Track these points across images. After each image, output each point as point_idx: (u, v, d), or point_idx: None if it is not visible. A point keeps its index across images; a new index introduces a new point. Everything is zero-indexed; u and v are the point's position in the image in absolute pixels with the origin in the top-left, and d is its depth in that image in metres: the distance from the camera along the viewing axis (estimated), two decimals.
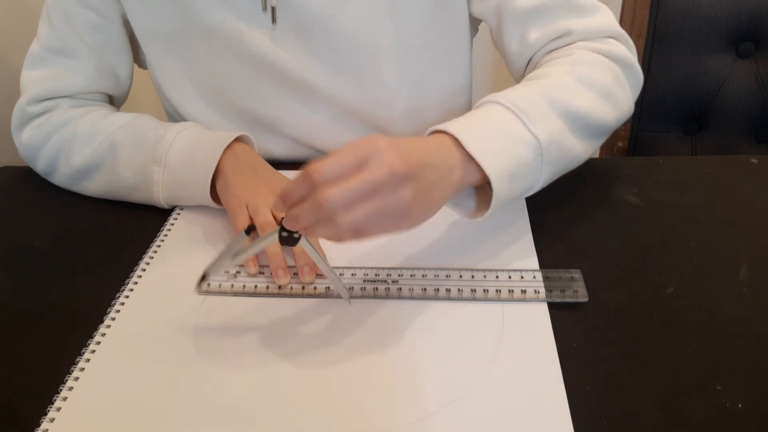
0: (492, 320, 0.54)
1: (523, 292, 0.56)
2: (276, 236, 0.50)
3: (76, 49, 0.73)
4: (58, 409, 0.48)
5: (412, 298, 0.56)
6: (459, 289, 0.57)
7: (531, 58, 0.71)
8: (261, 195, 0.63)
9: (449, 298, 0.56)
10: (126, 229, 0.68)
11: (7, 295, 0.60)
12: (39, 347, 0.53)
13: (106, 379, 0.50)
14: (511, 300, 0.55)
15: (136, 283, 0.60)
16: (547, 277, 0.57)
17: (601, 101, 0.62)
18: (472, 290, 0.56)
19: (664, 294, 0.56)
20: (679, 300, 0.55)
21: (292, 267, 0.59)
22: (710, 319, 0.53)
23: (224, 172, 0.66)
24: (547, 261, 0.60)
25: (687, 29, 0.96)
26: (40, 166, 0.75)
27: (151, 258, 0.63)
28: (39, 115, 0.75)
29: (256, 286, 0.58)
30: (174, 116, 0.82)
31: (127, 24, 0.75)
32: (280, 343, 0.53)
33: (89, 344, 0.53)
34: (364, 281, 0.58)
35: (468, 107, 0.82)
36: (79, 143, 0.71)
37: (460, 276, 0.58)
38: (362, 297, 0.57)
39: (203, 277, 0.53)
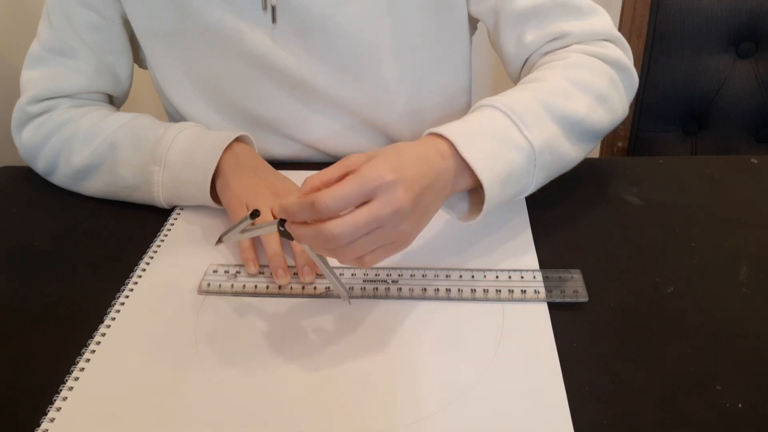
0: (492, 320, 0.54)
1: (523, 292, 0.56)
2: (275, 226, 0.50)
3: (76, 49, 0.73)
4: (58, 409, 0.48)
5: (412, 298, 0.56)
6: (459, 289, 0.57)
7: (527, 60, 0.71)
8: (261, 195, 0.63)
9: (449, 298, 0.56)
10: (126, 229, 0.68)
11: (7, 295, 0.60)
12: (39, 347, 0.54)
13: (106, 379, 0.50)
14: (511, 300, 0.55)
15: (136, 283, 0.60)
16: (547, 277, 0.57)
17: (597, 105, 0.63)
18: (472, 290, 0.56)
19: (664, 294, 0.56)
20: (679, 300, 0.55)
21: (292, 267, 0.59)
22: (710, 319, 0.53)
23: (224, 172, 0.66)
24: (547, 261, 0.60)
25: (687, 29, 0.96)
26: (40, 166, 0.75)
27: (151, 258, 0.63)
28: (39, 114, 0.75)
29: (256, 286, 0.58)
30: (174, 116, 0.82)
31: (127, 24, 0.75)
32: (279, 343, 0.53)
33: (89, 344, 0.53)
34: (364, 281, 0.58)
35: (467, 108, 0.82)
36: (79, 143, 0.71)
37: (460, 276, 0.58)
38: (362, 297, 0.57)
39: (219, 240, 0.55)
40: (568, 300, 0.55)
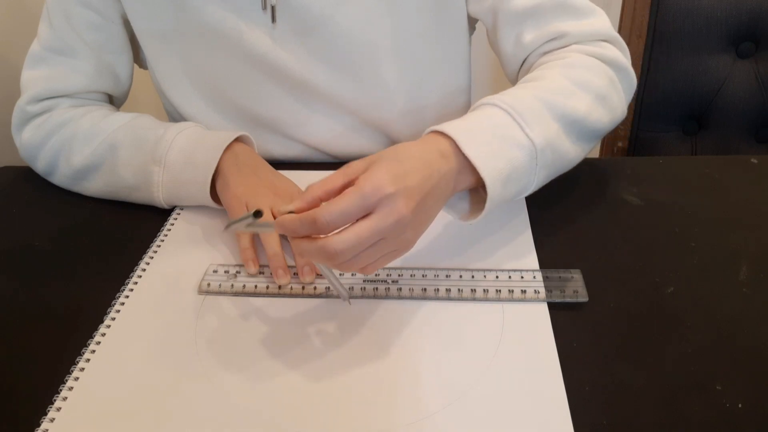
0: (492, 320, 0.54)
1: (523, 292, 0.56)
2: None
3: (76, 49, 0.73)
4: (58, 409, 0.48)
5: (412, 298, 0.56)
6: (459, 289, 0.57)
7: (525, 60, 0.71)
8: (261, 195, 0.63)
9: (449, 298, 0.56)
10: (126, 229, 0.68)
11: (7, 295, 0.60)
12: (39, 347, 0.54)
13: (106, 379, 0.50)
14: (511, 300, 0.55)
15: (136, 283, 0.60)
16: (547, 277, 0.57)
17: (597, 105, 0.63)
18: (472, 290, 0.56)
19: (664, 294, 0.56)
20: (679, 300, 0.55)
21: (292, 267, 0.59)
22: (710, 319, 0.53)
23: (224, 172, 0.66)
24: (546, 261, 0.60)
25: (687, 29, 0.96)
26: (40, 166, 0.75)
27: (151, 258, 0.63)
28: (39, 114, 0.75)
29: (256, 286, 0.58)
30: (174, 116, 0.82)
31: (127, 23, 0.75)
32: (279, 344, 0.53)
33: (89, 344, 0.53)
34: (364, 281, 0.58)
35: (467, 107, 0.82)
36: (79, 143, 0.71)
37: (460, 276, 0.58)
38: (362, 297, 0.57)
39: (228, 226, 0.54)
40: (568, 300, 0.55)
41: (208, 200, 0.67)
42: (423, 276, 0.58)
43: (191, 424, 0.46)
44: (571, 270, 0.58)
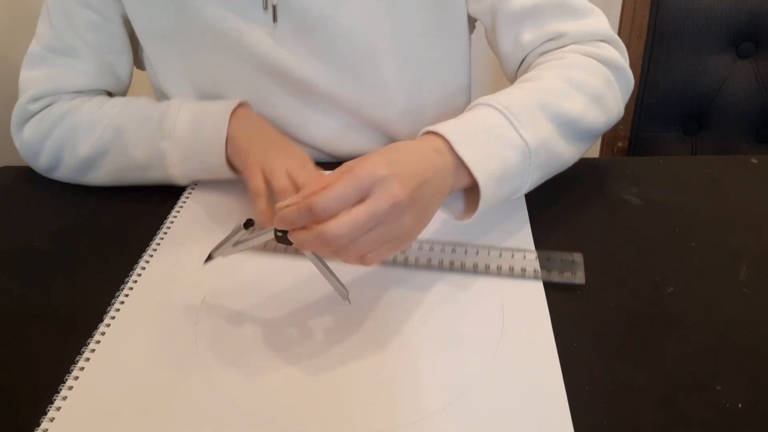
0: (492, 320, 0.54)
1: (523, 270, 0.58)
2: (272, 233, 0.50)
3: (76, 49, 0.73)
4: (58, 409, 0.48)
5: (417, 267, 0.58)
6: (462, 263, 0.59)
7: (524, 59, 0.71)
8: (272, 156, 0.63)
9: (452, 270, 0.58)
10: (126, 228, 0.68)
11: (7, 295, 0.60)
12: (39, 347, 0.54)
13: (106, 379, 0.50)
14: (511, 276, 0.58)
15: (135, 281, 0.60)
16: (548, 258, 0.59)
17: (592, 105, 0.63)
18: (474, 264, 0.59)
19: (664, 294, 0.56)
20: (679, 300, 0.55)
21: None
22: (710, 319, 0.53)
23: (234, 137, 0.66)
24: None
25: (687, 29, 0.96)
26: (42, 162, 0.75)
27: (151, 256, 0.63)
28: (39, 111, 0.75)
29: (265, 245, 0.58)
30: None
31: (127, 23, 0.75)
32: (280, 343, 0.53)
33: (89, 344, 0.53)
34: None
35: (467, 107, 0.82)
36: (83, 133, 0.71)
37: (465, 251, 0.61)
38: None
39: (209, 257, 0.54)
40: (565, 281, 0.57)
41: (225, 167, 0.67)
42: (430, 249, 0.60)
43: (191, 423, 0.46)
44: (573, 253, 0.59)
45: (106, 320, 0.55)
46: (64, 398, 0.48)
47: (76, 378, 0.50)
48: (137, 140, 0.69)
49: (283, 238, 0.50)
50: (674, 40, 0.97)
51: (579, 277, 0.57)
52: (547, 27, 0.68)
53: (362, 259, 0.49)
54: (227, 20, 0.69)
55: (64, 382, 0.50)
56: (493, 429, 0.45)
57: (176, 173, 0.69)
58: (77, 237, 0.67)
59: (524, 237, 0.63)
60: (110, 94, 0.80)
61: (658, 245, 0.61)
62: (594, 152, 1.10)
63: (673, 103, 1.01)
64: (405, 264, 0.59)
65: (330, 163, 0.80)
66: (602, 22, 0.69)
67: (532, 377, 0.48)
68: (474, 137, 0.55)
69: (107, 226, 0.69)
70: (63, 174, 0.75)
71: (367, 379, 0.49)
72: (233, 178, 0.68)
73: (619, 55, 0.68)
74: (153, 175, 0.70)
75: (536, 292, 0.56)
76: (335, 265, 0.53)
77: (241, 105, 0.70)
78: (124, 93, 0.82)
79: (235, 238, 0.53)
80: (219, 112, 0.67)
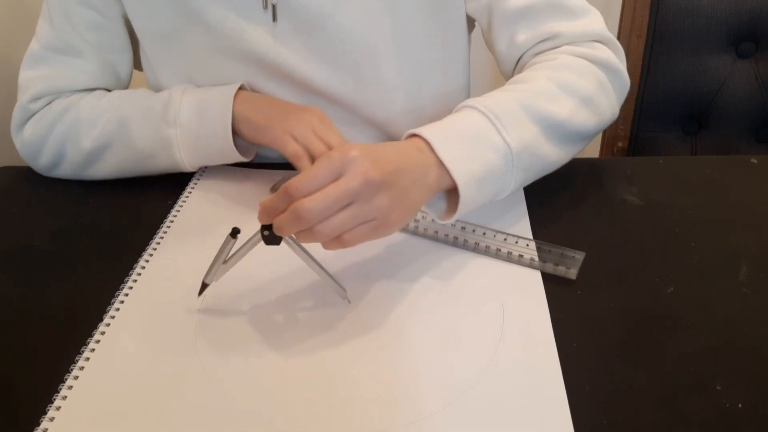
0: (492, 320, 0.54)
1: (521, 256, 0.59)
2: (260, 237, 0.51)
3: (77, 48, 0.73)
4: (58, 409, 0.48)
5: (425, 236, 0.63)
6: (465, 240, 0.61)
7: (519, 59, 0.72)
8: (293, 121, 0.64)
9: (456, 245, 0.61)
10: (126, 228, 0.68)
11: (7, 295, 0.60)
12: (39, 347, 0.53)
13: (106, 378, 0.50)
14: (508, 260, 0.60)
15: (135, 281, 0.60)
16: (547, 250, 0.60)
17: (581, 108, 0.63)
18: (476, 243, 0.61)
19: (664, 294, 0.56)
20: (679, 300, 0.55)
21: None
22: (710, 319, 0.53)
23: (247, 116, 0.67)
24: None
25: (687, 29, 0.96)
26: (44, 160, 0.75)
27: (150, 256, 0.63)
28: (40, 110, 0.74)
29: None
30: None
31: (127, 23, 0.75)
32: (280, 343, 0.53)
33: (89, 343, 0.53)
34: None
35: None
36: (85, 127, 0.71)
37: (473, 231, 0.63)
38: None
39: (203, 286, 0.55)
40: (559, 274, 0.57)
41: (233, 150, 0.68)
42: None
43: (191, 423, 0.46)
44: (576, 251, 0.59)
45: (106, 320, 0.55)
46: (64, 398, 0.48)
47: (76, 378, 0.50)
48: (141, 130, 0.70)
49: (270, 238, 0.50)
50: (674, 40, 0.97)
51: (572, 273, 0.57)
52: (541, 27, 0.68)
53: (340, 241, 0.50)
54: (227, 20, 0.69)
55: (64, 382, 0.50)
56: (493, 429, 0.45)
57: (182, 159, 0.70)
58: (77, 237, 0.67)
59: (523, 235, 0.63)
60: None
61: (658, 245, 0.61)
62: (594, 152, 1.10)
63: (673, 103, 1.01)
64: (415, 232, 0.63)
65: None
66: (598, 23, 0.69)
67: (532, 377, 0.48)
68: (456, 140, 0.56)
69: (107, 226, 0.69)
70: (65, 170, 0.75)
71: (367, 378, 0.49)
72: (240, 160, 0.70)
73: (614, 55, 0.68)
74: (158, 164, 0.71)
75: (535, 283, 0.57)
76: (333, 267, 0.53)
77: (241, 87, 0.71)
78: None
79: (224, 255, 0.53)
80: (222, 95, 0.68)
